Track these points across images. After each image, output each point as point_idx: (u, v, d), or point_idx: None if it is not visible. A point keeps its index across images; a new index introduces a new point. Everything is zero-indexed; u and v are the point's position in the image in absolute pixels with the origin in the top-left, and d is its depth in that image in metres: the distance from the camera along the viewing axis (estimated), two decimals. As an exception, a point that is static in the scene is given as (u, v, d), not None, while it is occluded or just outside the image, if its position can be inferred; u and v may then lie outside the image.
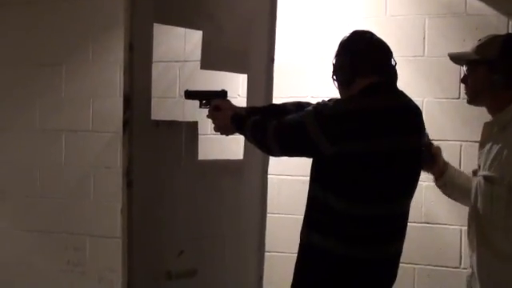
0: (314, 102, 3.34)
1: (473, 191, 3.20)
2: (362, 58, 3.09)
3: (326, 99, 3.18)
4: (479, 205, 3.14)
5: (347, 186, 3.00)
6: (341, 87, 3.17)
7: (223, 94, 3.52)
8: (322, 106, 3.06)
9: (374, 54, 3.12)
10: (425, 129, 3.22)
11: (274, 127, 3.09)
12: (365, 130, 2.95)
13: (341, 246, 3.00)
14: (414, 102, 3.17)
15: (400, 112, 3.09)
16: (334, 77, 3.19)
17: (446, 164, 3.42)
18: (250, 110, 3.50)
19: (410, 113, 3.14)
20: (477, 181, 3.17)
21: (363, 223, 3.01)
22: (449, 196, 3.50)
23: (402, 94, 3.16)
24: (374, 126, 2.97)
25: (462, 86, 3.28)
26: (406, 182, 3.14)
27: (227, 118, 3.35)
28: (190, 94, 3.58)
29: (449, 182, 3.42)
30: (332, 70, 3.19)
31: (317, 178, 3.09)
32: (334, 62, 3.18)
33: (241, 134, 3.34)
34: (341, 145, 2.94)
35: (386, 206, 3.06)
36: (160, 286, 3.41)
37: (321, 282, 3.06)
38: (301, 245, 3.16)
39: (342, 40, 3.19)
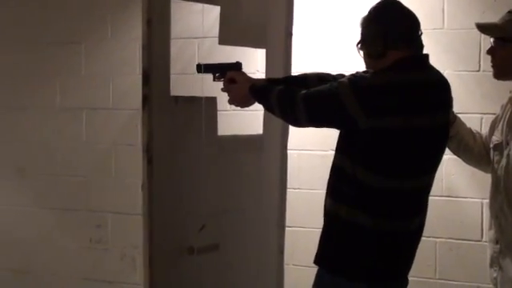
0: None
1: (501, 165, 3.19)
2: (394, 30, 3.03)
3: (355, 72, 3.10)
4: None
5: (378, 160, 2.97)
6: (369, 59, 3.10)
7: (237, 65, 3.47)
8: (358, 78, 2.99)
9: (406, 26, 3.06)
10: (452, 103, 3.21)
11: (303, 97, 3.04)
12: (402, 104, 2.93)
13: (367, 219, 3.00)
14: (444, 77, 3.14)
15: (434, 87, 3.07)
16: (362, 48, 3.12)
17: (454, 116, 3.38)
18: (268, 81, 3.46)
19: (442, 88, 3.12)
20: (508, 155, 3.16)
21: (391, 197, 3.01)
22: (454, 151, 3.45)
23: (433, 69, 3.12)
24: (410, 100, 2.95)
25: (483, 58, 3.27)
26: (433, 157, 3.13)
27: (244, 89, 3.31)
28: (202, 68, 3.53)
29: (456, 136, 3.38)
30: (359, 40, 3.12)
31: (345, 150, 3.05)
32: (363, 32, 3.10)
33: (262, 104, 3.29)
34: (377, 118, 2.91)
35: (414, 180, 3.06)
36: (182, 261, 3.42)
37: (345, 254, 3.06)
38: (326, 215, 3.14)
39: (371, 10, 3.10)
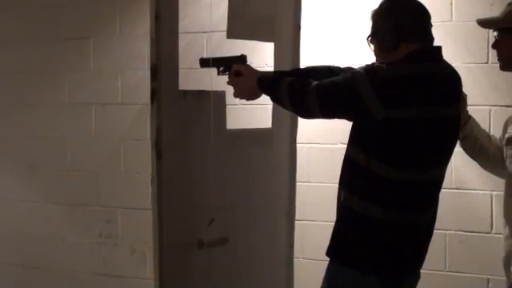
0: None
1: None
2: (406, 23, 3.04)
3: (372, 63, 3.11)
4: None
5: (391, 151, 2.97)
6: (381, 52, 3.11)
7: (242, 59, 3.40)
8: (375, 69, 2.98)
9: (418, 19, 3.07)
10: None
11: (316, 88, 3.02)
12: (418, 96, 2.93)
13: (379, 211, 3.00)
14: (455, 69, 3.15)
15: (447, 79, 3.08)
16: (374, 41, 3.12)
17: (469, 115, 3.37)
18: (276, 74, 3.42)
19: (454, 80, 3.12)
20: None
21: (403, 189, 3.01)
22: (469, 152, 3.43)
23: (445, 61, 3.13)
24: (426, 92, 2.96)
25: (491, 50, 3.26)
26: (446, 149, 3.13)
27: (251, 81, 3.26)
28: (205, 62, 3.48)
29: (470, 136, 3.36)
30: (370, 33, 3.13)
31: (358, 141, 3.05)
32: (375, 26, 3.11)
33: (270, 96, 3.24)
34: (393, 110, 2.91)
35: (428, 172, 3.06)
36: (192, 255, 3.43)
37: (358, 246, 3.06)
38: (339, 207, 3.14)
39: (382, 3, 3.11)
